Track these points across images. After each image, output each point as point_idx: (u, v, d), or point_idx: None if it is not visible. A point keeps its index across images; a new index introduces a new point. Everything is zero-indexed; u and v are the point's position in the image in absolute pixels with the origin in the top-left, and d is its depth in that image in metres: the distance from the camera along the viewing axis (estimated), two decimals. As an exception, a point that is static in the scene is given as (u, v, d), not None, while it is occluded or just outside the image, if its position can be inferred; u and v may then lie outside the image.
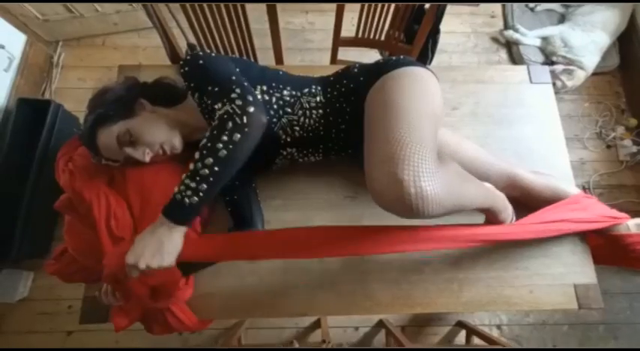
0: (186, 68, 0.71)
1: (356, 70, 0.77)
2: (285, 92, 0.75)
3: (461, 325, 1.51)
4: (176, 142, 0.73)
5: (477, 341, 1.31)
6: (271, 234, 0.70)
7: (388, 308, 0.83)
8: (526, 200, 0.83)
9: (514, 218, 0.77)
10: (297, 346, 1.04)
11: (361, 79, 0.75)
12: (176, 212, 0.58)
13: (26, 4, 1.59)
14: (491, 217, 0.72)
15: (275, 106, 0.73)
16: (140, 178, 0.74)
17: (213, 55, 0.71)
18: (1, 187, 1.41)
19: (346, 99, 0.75)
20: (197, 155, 0.59)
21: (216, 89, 0.65)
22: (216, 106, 0.63)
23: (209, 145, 0.58)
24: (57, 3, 1.63)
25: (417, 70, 0.71)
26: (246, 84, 0.66)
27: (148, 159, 0.70)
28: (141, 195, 0.73)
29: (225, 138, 0.58)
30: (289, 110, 0.74)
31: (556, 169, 0.94)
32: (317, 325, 1.49)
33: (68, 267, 0.78)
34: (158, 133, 0.71)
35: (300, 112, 0.75)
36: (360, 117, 0.71)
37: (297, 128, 0.75)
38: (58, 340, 1.44)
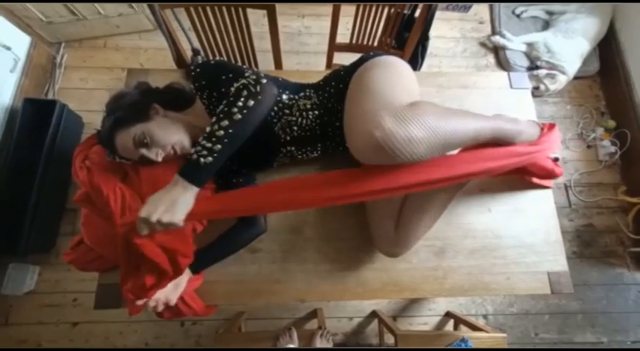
0: (198, 70, 0.79)
1: (342, 72, 0.85)
2: (284, 96, 0.82)
3: (449, 315, 1.60)
4: (186, 143, 0.79)
5: (464, 329, 1.39)
6: (277, 184, 0.69)
7: (378, 293, 0.90)
8: None
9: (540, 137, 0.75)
10: (294, 331, 1.11)
11: (347, 79, 0.82)
12: (191, 171, 0.62)
13: (31, 7, 1.63)
14: (508, 144, 0.70)
15: (275, 108, 0.81)
16: (153, 175, 0.80)
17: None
18: (8, 185, 1.45)
19: (337, 99, 0.82)
20: (214, 119, 0.65)
21: (231, 75, 0.75)
22: (232, 88, 0.71)
23: (225, 109, 0.66)
24: (60, 5, 1.67)
25: (390, 58, 0.79)
26: (255, 69, 0.74)
27: (160, 159, 0.77)
28: (154, 190, 0.79)
29: (240, 104, 0.66)
30: (288, 112, 0.82)
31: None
32: (313, 315, 1.56)
33: (84, 256, 0.84)
34: (170, 136, 0.77)
35: (298, 113, 0.82)
36: None
37: (295, 128, 0.82)
38: (65, 331, 1.50)
